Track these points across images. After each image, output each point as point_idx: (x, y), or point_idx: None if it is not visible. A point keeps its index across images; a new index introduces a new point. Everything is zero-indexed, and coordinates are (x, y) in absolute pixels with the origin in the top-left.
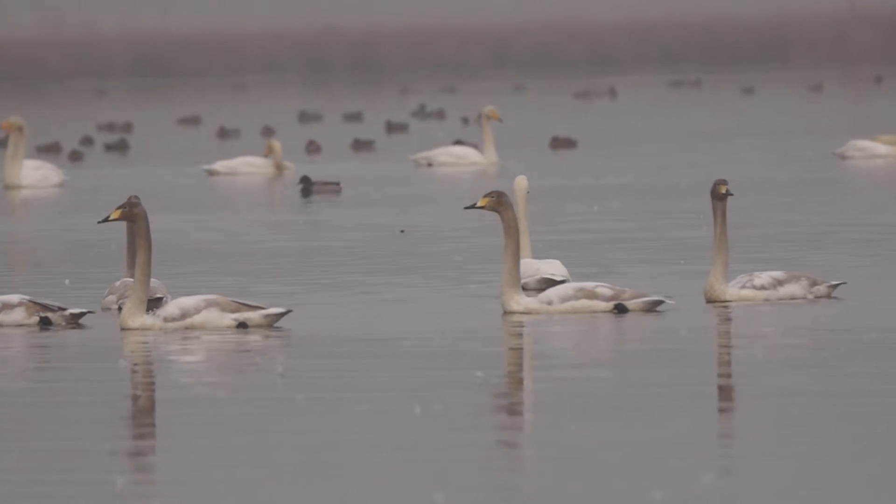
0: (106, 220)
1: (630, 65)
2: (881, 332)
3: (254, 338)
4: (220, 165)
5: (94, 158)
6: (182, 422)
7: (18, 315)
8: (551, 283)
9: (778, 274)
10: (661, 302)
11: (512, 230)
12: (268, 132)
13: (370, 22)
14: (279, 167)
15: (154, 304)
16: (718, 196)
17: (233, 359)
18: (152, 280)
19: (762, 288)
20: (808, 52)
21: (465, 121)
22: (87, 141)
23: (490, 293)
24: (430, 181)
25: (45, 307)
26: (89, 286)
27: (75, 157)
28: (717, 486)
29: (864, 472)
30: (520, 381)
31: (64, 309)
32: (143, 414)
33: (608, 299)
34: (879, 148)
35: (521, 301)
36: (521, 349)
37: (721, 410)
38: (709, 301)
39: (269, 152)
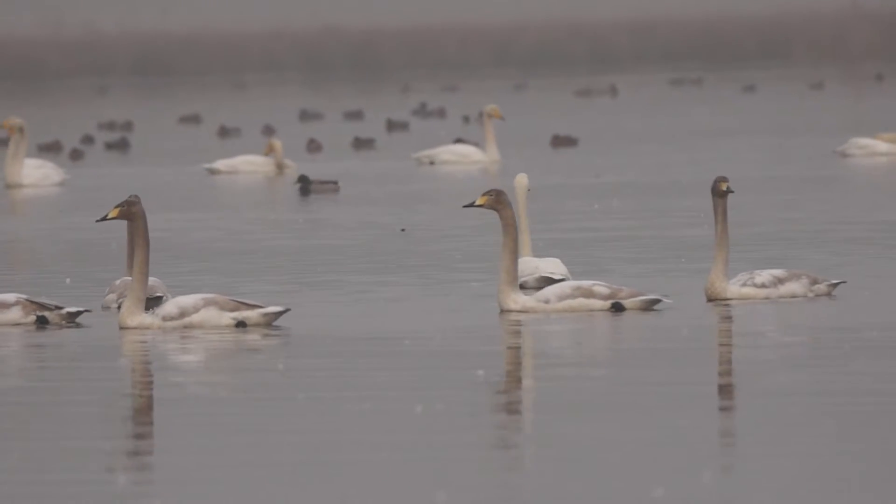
0: (104, 218)
1: (631, 63)
2: (882, 330)
3: (253, 336)
4: (221, 164)
5: (95, 157)
6: (182, 421)
7: (15, 314)
8: (550, 281)
9: (778, 272)
10: (658, 301)
11: (510, 228)
12: (268, 131)
13: (370, 20)
14: (280, 166)
15: (154, 302)
16: (719, 193)
17: (232, 358)
18: (152, 279)
19: (763, 286)
20: (810, 50)
21: (466, 119)
22: (88, 140)
23: (490, 292)
24: (432, 179)
25: (42, 306)
26: (90, 285)
27: (76, 155)
28: (718, 485)
29: (864, 471)
30: (521, 381)
31: (60, 307)
32: (143, 413)
33: (605, 298)
34: (880, 146)
35: (517, 300)
36: (523, 348)
37: (721, 409)
38: (710, 299)
39: (269, 151)
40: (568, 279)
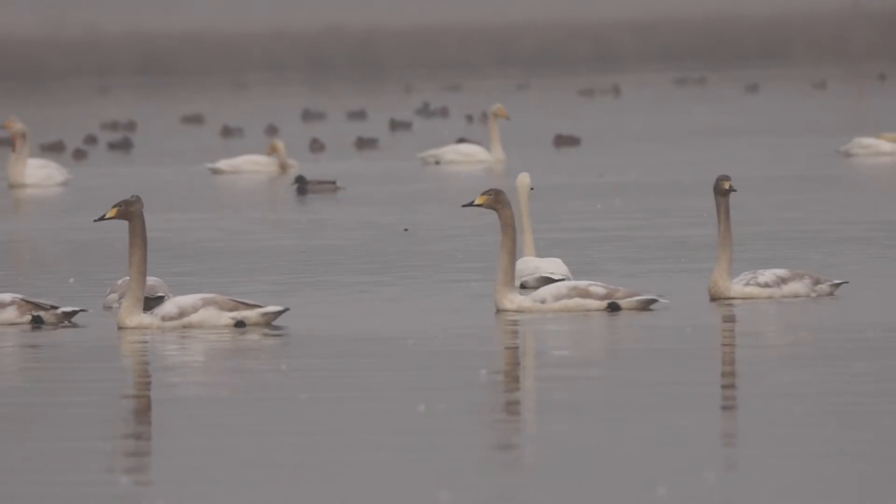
0: (102, 218)
1: (633, 63)
2: (884, 330)
3: (252, 336)
4: (224, 164)
5: (98, 157)
6: (182, 422)
7: (10, 314)
8: (550, 281)
9: (781, 272)
10: (654, 300)
11: (509, 228)
12: (271, 131)
13: (373, 20)
14: (283, 166)
15: (156, 302)
16: (721, 192)
17: (231, 358)
18: (154, 279)
19: (766, 286)
20: (812, 50)
21: (470, 118)
22: (91, 139)
23: (492, 292)
24: (435, 179)
25: (38, 306)
26: (93, 285)
27: (79, 155)
28: (720, 485)
29: (866, 472)
30: (522, 381)
31: (56, 307)
32: (142, 414)
33: (602, 298)
34: (883, 145)
35: (514, 300)
36: (525, 349)
37: (724, 409)
38: (713, 298)
39: (271, 151)
40: (569, 279)
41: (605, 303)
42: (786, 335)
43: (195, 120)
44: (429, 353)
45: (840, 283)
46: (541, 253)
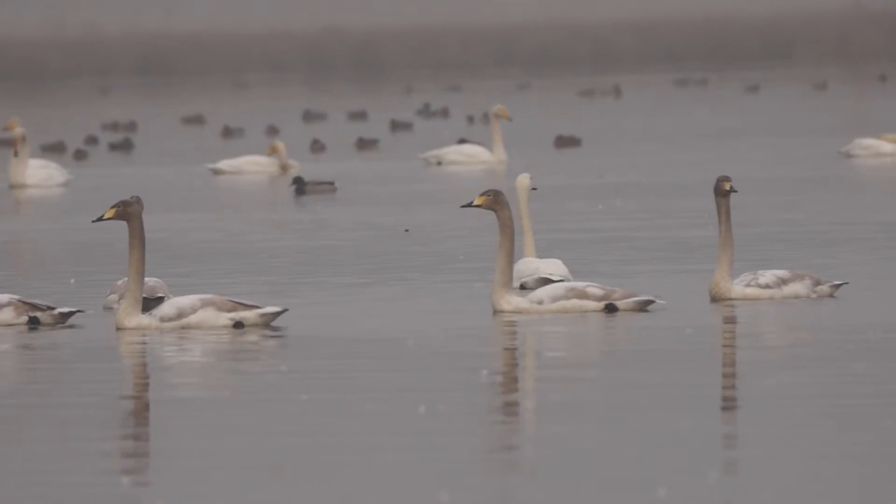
0: (100, 219)
1: (634, 63)
2: (884, 331)
3: (253, 337)
4: (224, 164)
5: (99, 158)
6: (182, 423)
7: (7, 315)
8: (549, 282)
9: (782, 273)
10: (651, 301)
11: (507, 229)
12: (272, 131)
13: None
14: (284, 166)
15: (156, 303)
16: (722, 193)
17: (231, 359)
18: (154, 279)
19: (767, 287)
20: (813, 51)
21: (471, 119)
22: (92, 140)
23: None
24: (437, 180)
25: (34, 306)
26: (94, 285)
27: (80, 156)
28: (720, 487)
29: (866, 473)
30: (523, 382)
31: (53, 308)
32: (142, 415)
33: (599, 299)
34: (884, 146)
35: (511, 301)
36: (525, 350)
37: (724, 410)
38: (714, 299)
39: (272, 152)
40: (569, 280)
41: (602, 304)
42: (786, 336)
43: (196, 120)
44: (429, 354)
45: (840, 284)
46: (541, 254)
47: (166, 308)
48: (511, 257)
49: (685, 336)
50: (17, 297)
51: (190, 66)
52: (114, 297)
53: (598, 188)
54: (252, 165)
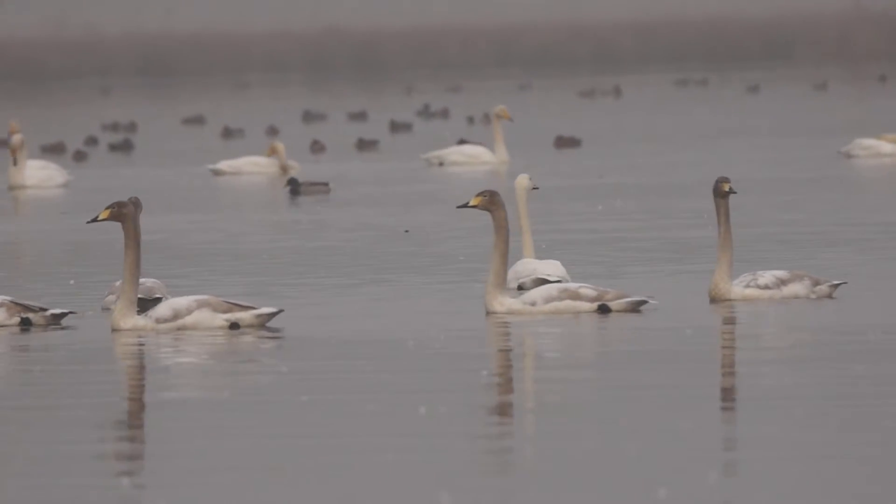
0: (95, 220)
1: (634, 64)
2: (884, 332)
3: (252, 338)
4: (224, 165)
5: (99, 158)
6: (180, 425)
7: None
8: (546, 283)
9: (781, 273)
10: (644, 302)
11: (502, 230)
12: (272, 132)
13: (373, 21)
14: (284, 167)
15: (154, 304)
16: (721, 194)
17: (230, 360)
18: (153, 280)
19: (766, 287)
20: (813, 51)
21: (471, 120)
22: (92, 141)
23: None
24: (437, 181)
25: (26, 307)
26: (93, 286)
27: (79, 157)
28: (720, 487)
29: (867, 474)
30: (523, 383)
31: (45, 309)
32: (140, 416)
33: (592, 300)
34: (884, 146)
35: (504, 302)
36: (524, 351)
37: (724, 410)
38: (713, 300)
39: (271, 153)
40: (566, 281)
41: (595, 305)
42: (785, 337)
43: (196, 121)
44: (429, 355)
45: (839, 284)
46: (541, 255)
47: (162, 309)
48: (505, 258)
49: (685, 337)
50: (8, 298)
51: (190, 67)
52: (112, 297)
53: (599, 189)
54: (252, 166)
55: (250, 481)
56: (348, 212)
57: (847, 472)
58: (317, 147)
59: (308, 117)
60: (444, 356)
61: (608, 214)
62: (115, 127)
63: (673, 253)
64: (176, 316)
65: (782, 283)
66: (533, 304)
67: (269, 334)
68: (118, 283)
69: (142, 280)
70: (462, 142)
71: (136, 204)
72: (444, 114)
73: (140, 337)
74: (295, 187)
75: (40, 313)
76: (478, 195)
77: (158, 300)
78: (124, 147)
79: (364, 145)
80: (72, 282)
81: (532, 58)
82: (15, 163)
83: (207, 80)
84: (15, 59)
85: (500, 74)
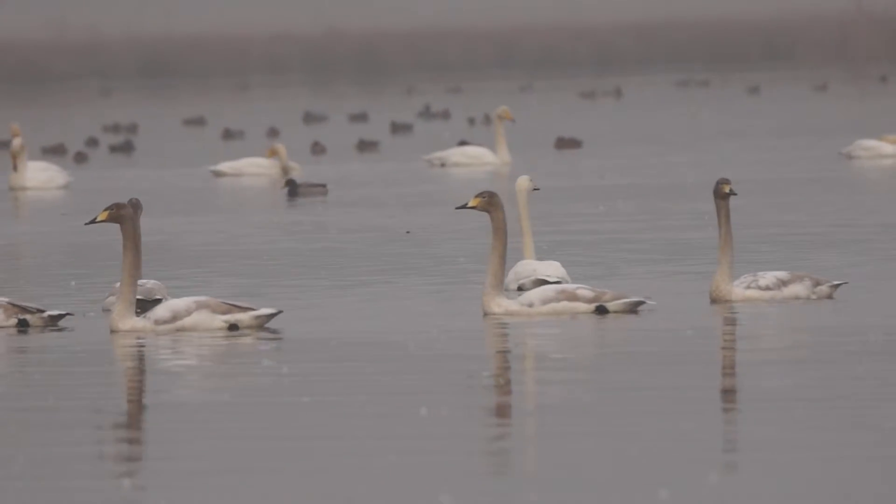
0: (93, 221)
1: (635, 65)
2: (885, 333)
3: (252, 340)
4: (225, 166)
5: (99, 160)
6: (180, 426)
7: None
8: (545, 284)
9: (782, 274)
10: (641, 303)
11: (500, 231)
12: (273, 133)
13: (374, 23)
14: (285, 169)
15: (154, 305)
16: (721, 195)
17: (230, 361)
18: (153, 281)
19: (767, 288)
20: (814, 52)
21: (472, 121)
22: (93, 142)
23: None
24: (438, 182)
25: (24, 309)
26: (95, 288)
27: (80, 158)
28: (721, 488)
29: (868, 474)
30: (524, 384)
31: (42, 311)
32: (140, 418)
33: (589, 301)
34: (885, 148)
35: (501, 303)
36: (525, 352)
37: (725, 411)
38: (714, 301)
39: (271, 155)
40: (566, 282)
41: (592, 306)
42: (786, 338)
43: (197, 122)
44: (429, 356)
45: (839, 284)
46: (542, 256)
47: (160, 311)
48: (503, 260)
49: (686, 338)
50: (6, 299)
51: (191, 68)
52: (112, 299)
53: (599, 190)
54: (253, 167)
55: (250, 482)
56: (349, 213)
57: (847, 473)
58: (317, 148)
59: (309, 118)
60: (444, 357)
61: (609, 215)
62: (115, 128)
63: (673, 254)
64: (175, 317)
65: (783, 283)
66: (530, 305)
67: (269, 336)
68: (118, 285)
69: (142, 281)
70: (463, 143)
71: (135, 205)
72: (445, 115)
73: (139, 338)
74: (293, 189)
75: (38, 315)
76: (476, 196)
77: (158, 301)
78: (125, 148)
79: (365, 146)
80: (73, 283)
81: (533, 59)
82: (15, 168)
83: (208, 81)
84: (16, 61)
85: (500, 75)
